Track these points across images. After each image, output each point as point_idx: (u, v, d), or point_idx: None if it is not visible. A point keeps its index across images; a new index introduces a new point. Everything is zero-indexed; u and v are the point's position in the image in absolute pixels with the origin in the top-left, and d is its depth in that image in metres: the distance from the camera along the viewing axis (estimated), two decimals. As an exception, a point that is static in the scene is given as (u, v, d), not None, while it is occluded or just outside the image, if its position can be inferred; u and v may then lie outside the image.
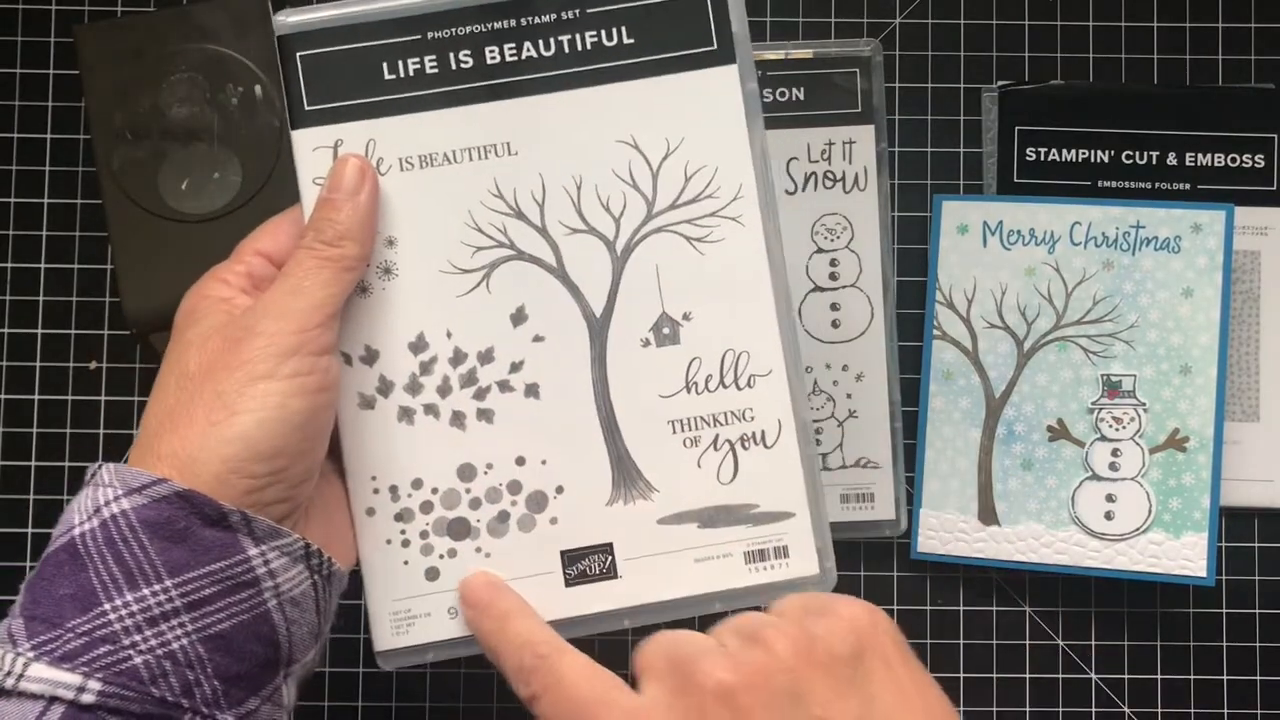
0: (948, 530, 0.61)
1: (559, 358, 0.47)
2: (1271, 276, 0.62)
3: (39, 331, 0.63)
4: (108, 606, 0.39)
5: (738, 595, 0.47)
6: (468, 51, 0.46)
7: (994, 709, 0.62)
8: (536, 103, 0.46)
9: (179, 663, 0.39)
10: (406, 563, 0.47)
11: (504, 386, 0.47)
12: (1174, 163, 0.63)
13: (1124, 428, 0.60)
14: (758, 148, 0.47)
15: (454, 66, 0.46)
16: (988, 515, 0.61)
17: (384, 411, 0.46)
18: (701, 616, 0.48)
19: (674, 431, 0.47)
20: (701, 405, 0.47)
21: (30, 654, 0.38)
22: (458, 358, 0.47)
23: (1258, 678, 0.62)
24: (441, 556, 0.47)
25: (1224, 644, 0.62)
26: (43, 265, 0.63)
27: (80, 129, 0.63)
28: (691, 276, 0.47)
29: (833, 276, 0.62)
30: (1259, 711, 0.62)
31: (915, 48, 0.64)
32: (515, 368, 0.47)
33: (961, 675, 0.62)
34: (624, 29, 0.46)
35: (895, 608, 0.62)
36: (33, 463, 0.62)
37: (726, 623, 0.41)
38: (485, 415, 0.47)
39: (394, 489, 0.47)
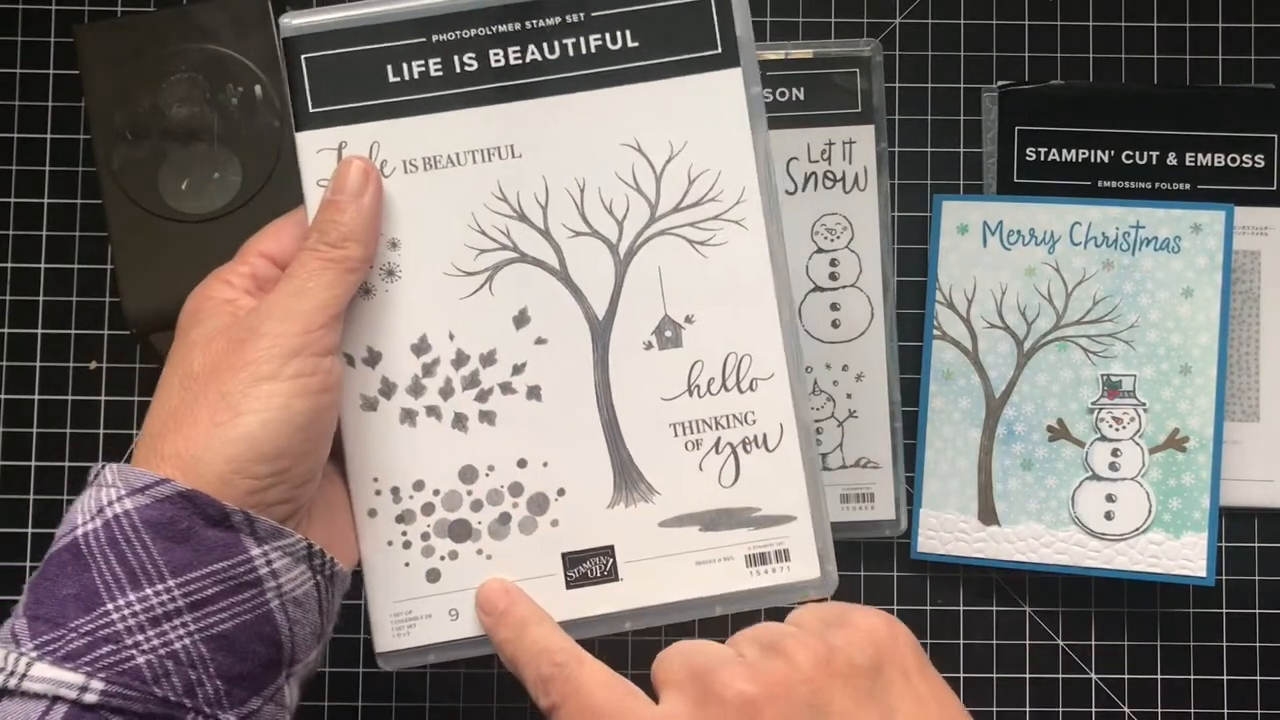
0: (948, 530, 0.61)
1: (561, 360, 0.47)
2: (1271, 276, 0.62)
3: (39, 331, 0.63)
4: (110, 606, 0.39)
5: (739, 598, 0.47)
6: (473, 54, 0.46)
7: (994, 709, 0.62)
8: (541, 105, 0.46)
9: (181, 663, 0.39)
10: (408, 564, 0.47)
11: (506, 388, 0.47)
12: (1174, 163, 0.63)
13: (1124, 428, 0.60)
14: (761, 151, 0.47)
15: (459, 69, 0.46)
16: (988, 515, 0.61)
17: (386, 413, 0.46)
18: (700, 619, 0.48)
19: (676, 434, 0.47)
20: (703, 408, 0.47)
21: (33, 654, 0.38)
22: (460, 360, 0.47)
23: (1258, 678, 0.62)
24: (443, 558, 0.47)
25: (1224, 644, 0.62)
26: (43, 265, 0.63)
27: (80, 129, 0.63)
28: (694, 279, 0.47)
29: (833, 276, 0.62)
30: (1259, 711, 0.62)
31: (915, 48, 0.64)
32: (517, 370, 0.47)
33: (961, 675, 0.62)
34: (629, 32, 0.46)
35: (895, 608, 0.62)
36: (33, 463, 0.62)
37: (744, 633, 0.41)
38: (487, 417, 0.47)
39: (396, 490, 0.47)
